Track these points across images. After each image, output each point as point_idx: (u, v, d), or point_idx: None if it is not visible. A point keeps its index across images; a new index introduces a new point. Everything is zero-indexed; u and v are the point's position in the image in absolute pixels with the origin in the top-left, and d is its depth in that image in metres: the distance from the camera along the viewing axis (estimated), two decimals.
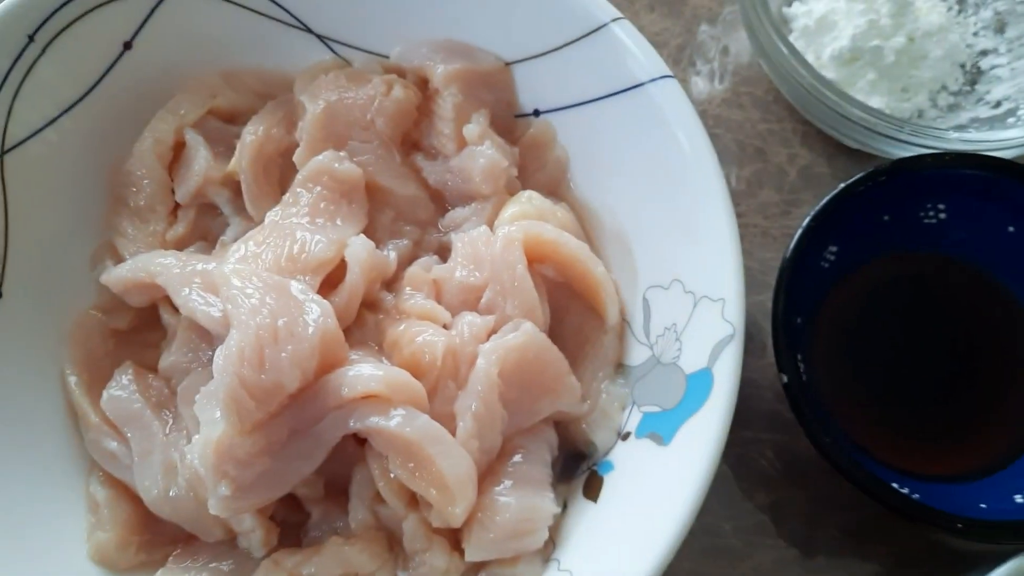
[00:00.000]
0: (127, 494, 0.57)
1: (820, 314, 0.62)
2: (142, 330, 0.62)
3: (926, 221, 0.62)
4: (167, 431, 0.57)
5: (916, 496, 0.54)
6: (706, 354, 0.52)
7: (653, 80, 0.57)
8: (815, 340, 0.61)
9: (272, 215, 0.59)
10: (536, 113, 0.64)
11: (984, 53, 0.72)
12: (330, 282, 0.57)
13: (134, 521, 0.56)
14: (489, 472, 0.54)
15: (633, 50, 0.58)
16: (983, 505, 0.56)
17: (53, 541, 0.56)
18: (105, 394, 0.58)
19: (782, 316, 0.56)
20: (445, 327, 0.56)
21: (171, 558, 0.56)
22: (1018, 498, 0.55)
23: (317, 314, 0.52)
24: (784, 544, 0.63)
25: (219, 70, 0.65)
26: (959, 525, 0.51)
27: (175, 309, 0.60)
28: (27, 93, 0.60)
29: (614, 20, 0.58)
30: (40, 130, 0.61)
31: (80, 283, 0.62)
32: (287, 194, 0.60)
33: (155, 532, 0.57)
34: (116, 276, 0.59)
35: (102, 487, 0.57)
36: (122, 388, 0.58)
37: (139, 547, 0.56)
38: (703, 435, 0.49)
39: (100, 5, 0.60)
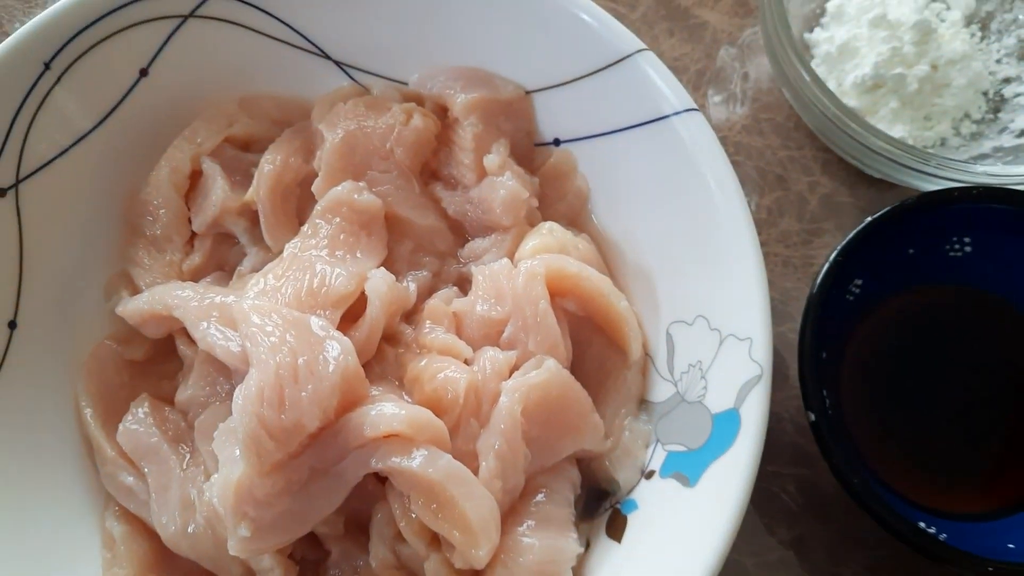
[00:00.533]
0: (144, 530, 0.56)
1: (846, 348, 0.62)
2: (158, 361, 0.62)
3: (951, 254, 0.61)
4: (184, 466, 0.56)
5: (943, 536, 0.53)
6: (733, 394, 0.51)
7: (678, 113, 0.56)
8: (841, 375, 0.61)
9: (291, 247, 0.58)
10: (556, 142, 0.64)
11: (1008, 81, 0.71)
12: (350, 315, 0.56)
13: (151, 558, 0.55)
14: (511, 512, 0.53)
15: (658, 82, 0.57)
16: (1011, 545, 0.55)
17: None
18: (121, 427, 0.57)
19: (809, 352, 0.55)
20: (466, 362, 0.55)
21: None
22: None
23: (338, 352, 0.51)
24: None
25: (236, 97, 0.64)
26: (989, 569, 0.51)
27: (192, 341, 0.59)
28: (43, 120, 0.59)
29: (638, 51, 0.57)
30: (56, 158, 0.60)
31: (95, 313, 0.61)
32: (306, 225, 0.59)
33: (172, 569, 0.56)
34: (133, 308, 0.58)
35: (118, 523, 0.56)
36: (138, 422, 0.57)
37: None
38: (731, 479, 0.49)
39: (117, 32, 0.60)
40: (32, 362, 0.59)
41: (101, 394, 0.59)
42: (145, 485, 0.56)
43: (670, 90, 0.56)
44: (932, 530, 0.54)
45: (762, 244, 0.69)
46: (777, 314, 0.67)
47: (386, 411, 0.51)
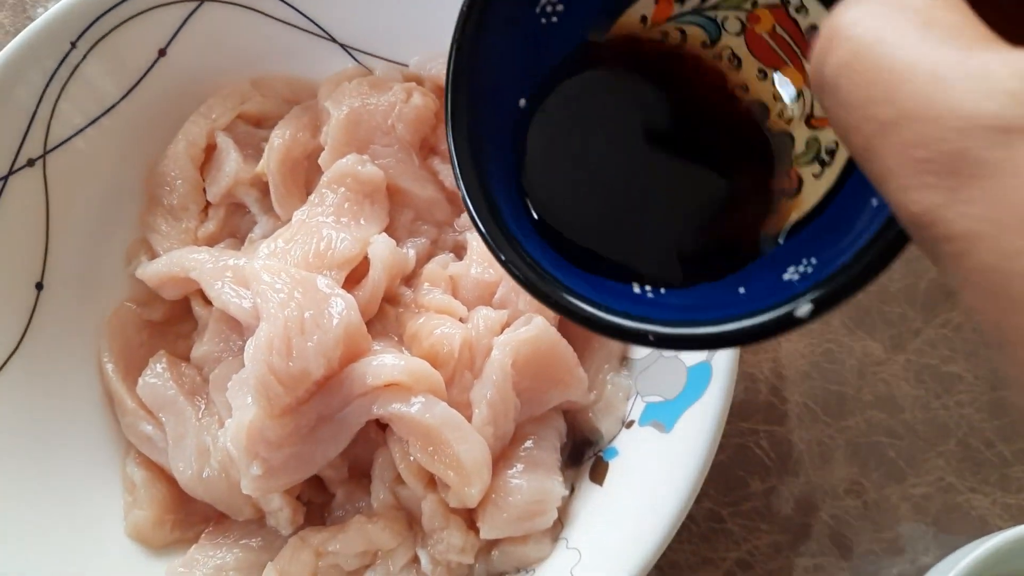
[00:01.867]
0: (162, 475, 0.61)
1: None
2: (174, 321, 0.66)
3: None
4: (200, 416, 0.60)
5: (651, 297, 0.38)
6: None
7: None
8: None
9: (299, 214, 0.63)
10: None
11: None
12: (354, 278, 0.61)
13: (168, 500, 0.60)
14: (502, 457, 0.57)
15: None
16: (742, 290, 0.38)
17: (94, 518, 0.60)
18: (141, 381, 0.62)
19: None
20: (461, 320, 0.60)
21: (203, 535, 0.60)
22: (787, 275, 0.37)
23: (341, 307, 0.56)
24: (779, 529, 0.66)
25: (249, 77, 0.69)
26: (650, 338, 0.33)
27: (206, 302, 0.63)
28: (68, 97, 0.63)
29: None
30: (79, 132, 0.64)
31: (116, 277, 0.66)
32: (313, 195, 0.64)
33: (188, 511, 0.60)
34: (152, 271, 0.63)
35: (138, 468, 0.61)
36: (157, 376, 0.62)
37: (173, 525, 0.59)
38: (702, 422, 0.53)
39: (137, 14, 0.64)
40: (57, 321, 0.63)
41: (122, 351, 0.64)
42: (163, 434, 0.61)
43: None
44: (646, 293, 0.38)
45: None
46: None
47: (387, 362, 0.56)
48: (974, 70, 0.20)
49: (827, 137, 0.37)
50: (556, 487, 0.57)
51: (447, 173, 0.67)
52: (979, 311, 0.22)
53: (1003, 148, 0.20)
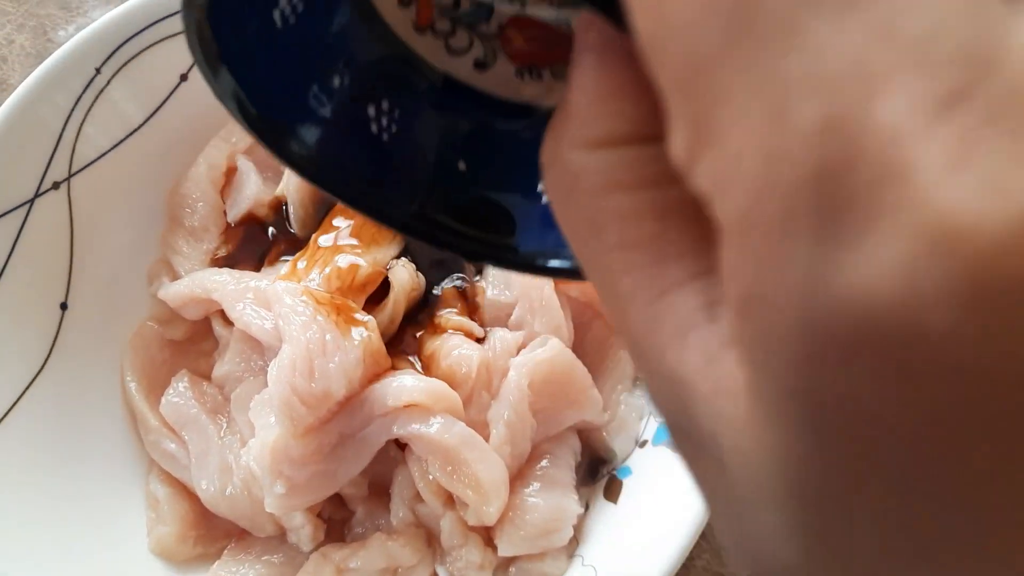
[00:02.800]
0: (185, 492, 0.62)
1: None
2: (196, 340, 0.67)
3: None
4: (222, 434, 0.62)
5: None
6: None
7: None
8: None
9: (318, 236, 0.64)
10: None
11: None
12: (372, 299, 0.62)
13: (191, 517, 0.61)
14: (519, 475, 0.59)
15: None
16: None
17: (118, 535, 0.61)
18: (163, 400, 0.63)
19: None
20: (479, 341, 0.61)
21: (226, 551, 0.61)
22: None
23: (362, 329, 0.57)
24: None
25: None
26: None
27: (227, 322, 0.65)
28: (93, 121, 0.64)
29: None
30: (103, 155, 0.66)
31: (139, 297, 0.67)
32: (331, 216, 0.65)
33: (211, 527, 0.61)
34: (174, 291, 0.64)
35: (161, 485, 0.62)
36: (179, 395, 0.63)
37: (196, 541, 0.61)
38: None
39: (160, 40, 0.65)
40: (81, 341, 0.64)
41: (144, 369, 0.65)
42: (186, 451, 0.62)
43: None
44: None
45: None
46: None
47: (406, 383, 0.57)
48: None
49: None
50: (572, 505, 0.58)
51: None
52: None
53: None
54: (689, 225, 0.18)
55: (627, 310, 0.18)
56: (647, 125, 0.18)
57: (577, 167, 0.19)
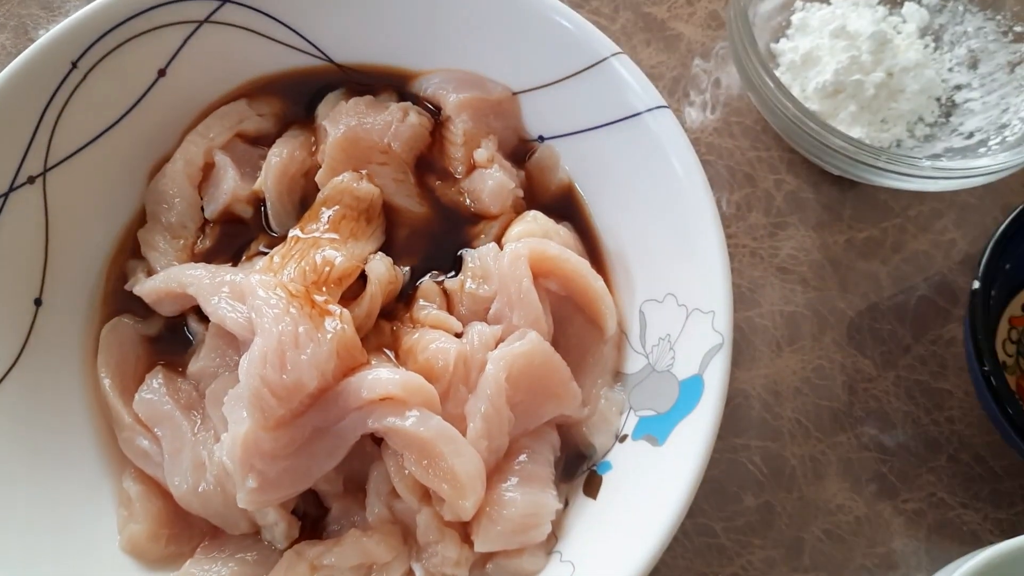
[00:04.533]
0: (158, 490, 0.61)
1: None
2: (169, 337, 0.66)
3: None
4: (196, 431, 0.61)
5: None
6: (697, 362, 0.56)
7: (649, 110, 0.62)
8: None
9: (295, 231, 0.63)
10: (541, 139, 0.69)
11: (958, 88, 0.77)
12: (349, 294, 0.61)
13: (164, 515, 0.60)
14: (497, 470, 0.58)
15: (631, 82, 0.62)
16: None
17: (88, 533, 0.59)
18: (137, 396, 0.62)
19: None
20: (457, 335, 0.60)
21: (199, 549, 0.60)
22: None
23: (336, 322, 0.56)
24: (772, 544, 0.67)
25: (246, 96, 0.70)
26: None
27: (202, 319, 0.64)
28: (69, 115, 0.64)
29: (614, 55, 0.63)
30: (80, 150, 0.65)
31: (114, 293, 0.66)
32: (310, 211, 0.64)
33: (184, 525, 0.60)
34: (149, 287, 0.63)
35: (135, 483, 0.61)
36: (153, 391, 0.62)
37: (168, 539, 0.59)
38: (695, 435, 0.54)
39: (138, 35, 0.65)
40: (56, 336, 0.63)
41: (118, 366, 0.64)
42: (159, 448, 0.61)
43: (641, 89, 0.62)
44: None
45: (731, 237, 0.75)
46: (746, 301, 0.73)
47: (382, 376, 0.56)
48: None
49: None
50: (550, 501, 0.57)
51: (442, 190, 0.68)
52: None
53: None
54: None
55: None
56: None
57: None
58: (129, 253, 0.67)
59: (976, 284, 0.63)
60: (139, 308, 0.66)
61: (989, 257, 0.63)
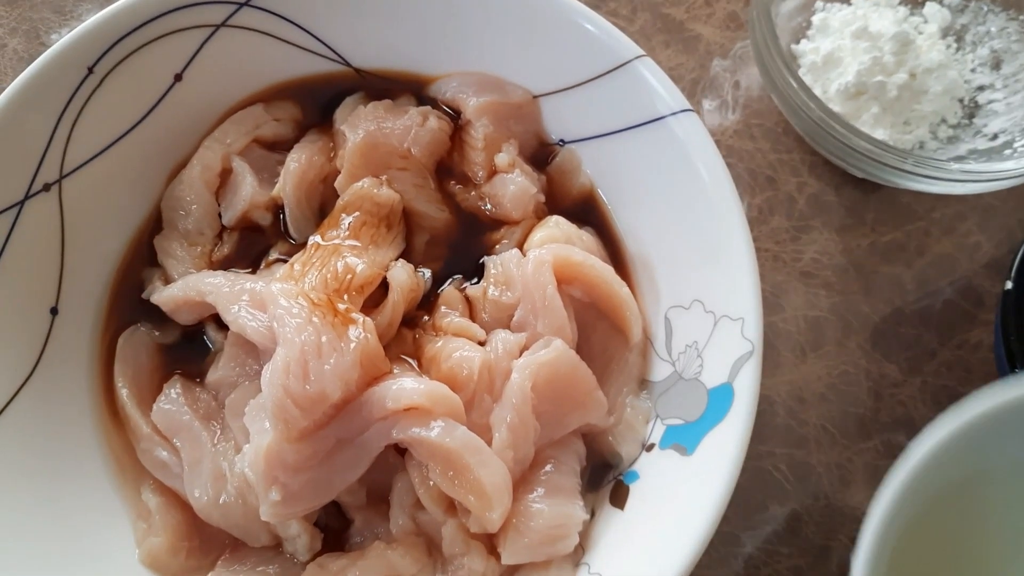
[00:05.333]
0: (177, 501, 0.60)
1: None
2: (186, 346, 0.65)
3: None
4: (215, 441, 0.60)
5: None
6: (727, 370, 0.55)
7: (674, 113, 0.61)
8: None
9: (315, 238, 0.62)
10: (562, 143, 0.68)
11: (981, 88, 0.76)
12: (371, 301, 0.60)
13: (184, 527, 0.59)
14: (523, 481, 0.57)
15: (655, 85, 0.61)
16: None
17: (105, 546, 0.59)
18: (155, 407, 0.61)
19: None
20: (480, 343, 0.59)
21: (219, 562, 0.59)
22: None
23: (359, 331, 0.55)
24: (799, 553, 0.66)
25: (263, 101, 0.69)
26: None
27: (220, 327, 0.63)
28: (85, 122, 0.63)
29: (637, 57, 0.62)
30: (95, 157, 0.64)
31: (131, 301, 0.65)
32: (329, 217, 0.64)
33: (204, 538, 0.59)
34: (167, 295, 0.62)
35: (154, 495, 0.60)
36: (171, 401, 0.61)
37: (188, 552, 0.58)
38: (725, 445, 0.53)
39: (154, 40, 0.64)
40: (72, 346, 0.63)
41: (135, 376, 0.63)
42: (178, 459, 0.60)
43: (666, 92, 0.61)
44: None
45: (753, 240, 0.74)
46: (769, 305, 0.72)
47: (406, 386, 0.55)
48: None
49: None
50: (577, 511, 0.56)
51: (463, 195, 0.67)
52: None
53: None
54: None
55: None
56: None
57: None
58: (144, 260, 0.66)
59: (1009, 284, 0.62)
60: (154, 316, 0.65)
61: (1023, 257, 0.62)
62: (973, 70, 0.77)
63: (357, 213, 0.63)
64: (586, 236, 0.64)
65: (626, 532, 0.56)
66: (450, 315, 0.62)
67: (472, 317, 0.62)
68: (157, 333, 0.65)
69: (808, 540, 0.66)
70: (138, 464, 0.62)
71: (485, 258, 0.64)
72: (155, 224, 0.67)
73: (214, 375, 0.62)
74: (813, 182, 0.76)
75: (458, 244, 0.66)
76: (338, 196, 0.64)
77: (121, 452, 0.63)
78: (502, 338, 0.59)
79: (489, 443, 0.55)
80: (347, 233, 0.62)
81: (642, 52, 0.62)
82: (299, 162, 0.65)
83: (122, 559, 0.59)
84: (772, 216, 0.75)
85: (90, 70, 0.63)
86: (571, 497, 0.57)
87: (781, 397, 0.70)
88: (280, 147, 0.69)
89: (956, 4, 0.78)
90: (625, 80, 0.63)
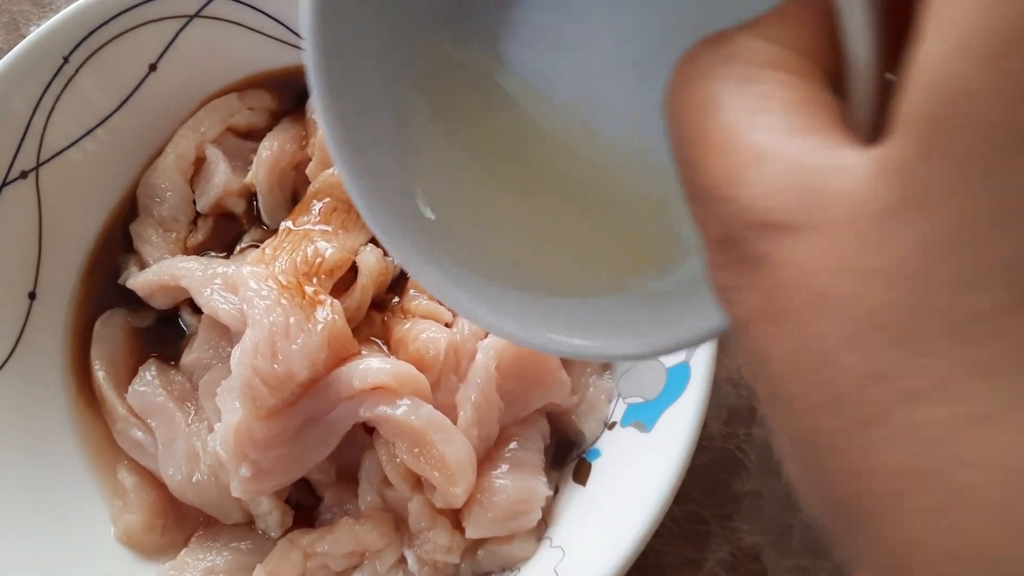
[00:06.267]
0: (152, 480, 0.62)
1: None
2: (161, 329, 0.67)
3: None
4: (189, 422, 0.61)
5: None
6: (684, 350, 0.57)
7: None
8: None
9: (287, 223, 0.64)
10: None
11: None
12: (340, 285, 0.62)
13: (159, 505, 0.61)
14: (487, 458, 0.58)
15: None
16: None
17: (83, 525, 0.60)
18: (131, 389, 0.63)
19: None
20: (447, 325, 0.61)
21: (193, 539, 0.60)
22: None
23: (327, 312, 0.57)
24: (761, 530, 0.67)
25: (237, 90, 0.70)
26: None
27: (195, 311, 0.65)
28: (61, 110, 0.64)
29: None
30: (72, 145, 0.65)
31: (107, 286, 0.67)
32: (300, 203, 0.65)
33: (178, 515, 0.61)
34: (142, 280, 0.64)
35: (129, 474, 0.61)
36: (146, 383, 0.63)
37: (164, 529, 0.60)
38: (681, 421, 0.54)
39: (129, 30, 0.65)
40: (49, 329, 0.64)
41: (112, 359, 0.65)
42: (153, 440, 0.62)
43: None
44: None
45: None
46: None
47: (373, 365, 0.57)
48: (780, 159, 0.20)
49: None
50: (540, 487, 0.58)
51: None
52: (765, 404, 0.22)
53: (769, 243, 0.19)
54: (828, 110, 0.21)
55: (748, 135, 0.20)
56: (819, 54, 0.21)
57: (745, 46, 0.21)
58: (120, 246, 0.68)
59: None
60: (130, 301, 0.66)
61: None
62: None
63: (328, 199, 0.65)
64: None
65: (587, 507, 0.58)
66: (419, 298, 0.63)
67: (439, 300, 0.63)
68: (133, 317, 0.67)
69: (770, 518, 0.68)
70: (113, 445, 0.63)
71: None
72: (130, 210, 0.68)
73: (188, 357, 0.64)
74: None
75: None
76: (309, 182, 0.66)
77: (96, 433, 0.64)
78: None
79: (455, 421, 0.57)
80: (318, 218, 0.64)
81: None
82: (271, 150, 0.67)
83: (99, 536, 0.61)
84: None
85: (66, 59, 0.64)
86: (535, 473, 0.59)
87: (744, 379, 0.71)
88: (254, 135, 0.70)
89: None
90: None
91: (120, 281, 0.66)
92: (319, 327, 0.56)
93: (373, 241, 0.65)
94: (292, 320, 0.56)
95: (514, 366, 0.59)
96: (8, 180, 0.63)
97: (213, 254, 0.67)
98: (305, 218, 0.64)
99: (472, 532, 0.56)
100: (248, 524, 0.61)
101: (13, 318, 0.63)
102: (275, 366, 0.54)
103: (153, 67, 0.68)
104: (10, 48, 0.71)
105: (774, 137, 0.20)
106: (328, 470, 0.60)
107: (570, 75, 0.34)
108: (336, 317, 0.57)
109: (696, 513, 0.68)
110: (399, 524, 0.59)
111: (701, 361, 0.55)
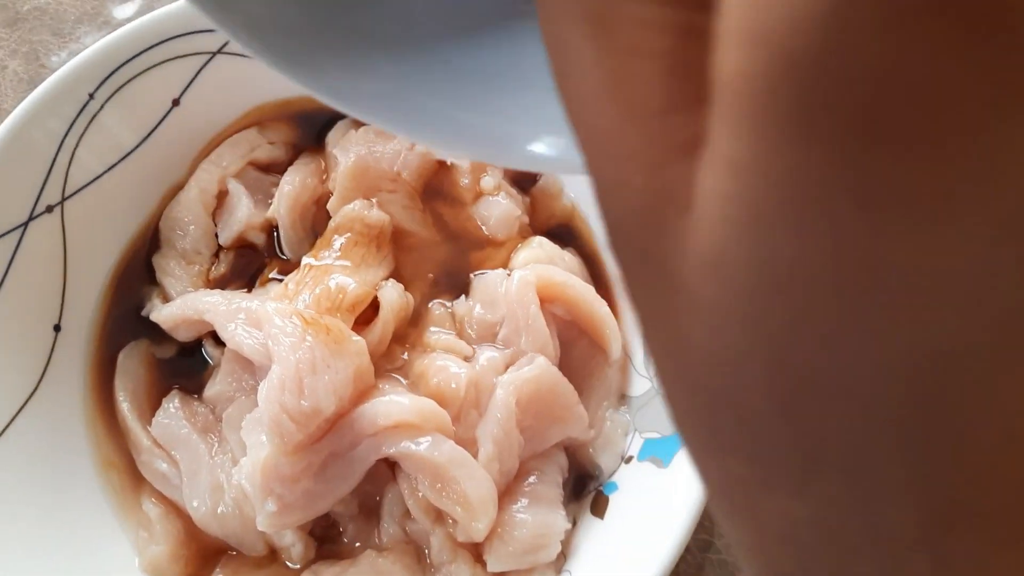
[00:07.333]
0: (177, 511, 0.63)
1: None
2: (183, 361, 0.68)
3: None
4: (213, 454, 0.62)
5: None
6: None
7: None
8: None
9: (308, 258, 0.65)
10: None
11: None
12: (362, 319, 0.63)
13: (183, 536, 0.62)
14: (507, 492, 0.60)
15: None
16: None
17: (109, 558, 0.61)
18: (155, 420, 0.64)
19: None
20: (466, 359, 0.62)
21: (217, 569, 0.61)
22: None
23: (352, 349, 0.58)
24: None
25: (257, 124, 0.72)
26: None
27: (217, 343, 0.66)
28: (86, 145, 0.66)
29: None
30: (96, 179, 0.67)
31: (131, 318, 0.68)
32: (322, 239, 0.66)
33: (202, 546, 0.62)
34: (167, 313, 0.65)
35: (154, 505, 0.62)
36: (169, 415, 0.64)
37: (188, 560, 0.61)
38: None
39: (153, 66, 0.67)
40: (74, 362, 0.65)
41: (136, 390, 0.66)
42: (178, 471, 0.63)
43: None
44: None
45: None
46: None
47: (396, 402, 0.58)
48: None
49: None
50: (559, 521, 0.59)
51: (450, 217, 0.70)
52: None
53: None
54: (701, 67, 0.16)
55: (616, 113, 0.17)
56: None
57: None
58: (142, 278, 0.69)
59: None
60: (152, 332, 0.67)
61: None
62: None
63: (348, 234, 0.66)
64: (568, 256, 0.67)
65: (605, 540, 0.59)
66: (438, 332, 0.64)
67: (459, 333, 0.65)
68: (155, 348, 0.68)
69: None
70: (136, 476, 0.64)
71: (471, 277, 0.67)
72: (152, 242, 0.70)
73: (212, 389, 0.65)
74: None
75: (445, 263, 0.69)
76: (330, 217, 0.67)
77: (120, 464, 0.65)
78: (487, 355, 0.62)
79: (475, 456, 0.58)
80: (339, 253, 0.65)
81: None
82: (293, 185, 0.68)
83: (122, 567, 0.62)
84: None
85: (91, 96, 0.65)
86: (553, 507, 0.60)
87: None
88: (274, 169, 0.71)
89: None
90: None
91: (144, 314, 0.67)
92: (345, 363, 0.57)
93: (391, 275, 0.67)
94: (318, 356, 0.57)
95: (533, 401, 0.60)
96: (35, 215, 0.64)
97: (235, 286, 0.68)
98: (326, 252, 0.65)
99: (493, 566, 0.58)
100: (271, 555, 0.62)
101: (40, 350, 0.64)
102: (302, 402, 0.55)
103: (176, 102, 0.69)
104: (31, 77, 0.72)
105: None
106: (351, 503, 0.61)
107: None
108: (362, 355, 0.58)
109: (707, 541, 0.69)
110: (421, 557, 0.60)
111: None
